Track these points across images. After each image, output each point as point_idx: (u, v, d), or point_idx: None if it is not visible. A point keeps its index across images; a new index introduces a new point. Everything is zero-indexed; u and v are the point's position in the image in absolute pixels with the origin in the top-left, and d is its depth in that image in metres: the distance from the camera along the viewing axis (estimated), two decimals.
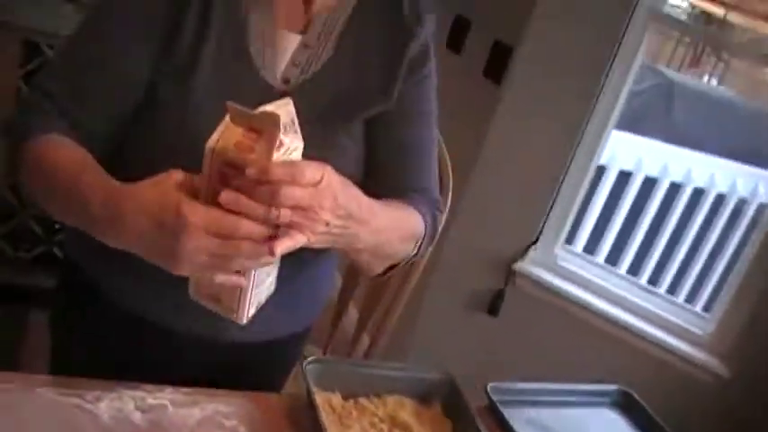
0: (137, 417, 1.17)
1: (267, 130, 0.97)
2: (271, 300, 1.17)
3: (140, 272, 1.21)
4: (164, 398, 1.22)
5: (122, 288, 1.35)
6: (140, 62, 1.22)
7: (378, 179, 1.36)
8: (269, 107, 1.00)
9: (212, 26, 1.22)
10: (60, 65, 1.28)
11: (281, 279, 1.16)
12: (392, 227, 1.28)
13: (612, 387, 1.62)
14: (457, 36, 2.99)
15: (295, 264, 1.13)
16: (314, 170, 1.02)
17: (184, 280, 1.10)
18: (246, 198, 0.98)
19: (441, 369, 1.40)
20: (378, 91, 1.34)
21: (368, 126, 1.36)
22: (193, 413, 1.21)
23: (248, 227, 0.99)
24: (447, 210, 1.90)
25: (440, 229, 1.52)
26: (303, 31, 1.31)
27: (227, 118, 0.98)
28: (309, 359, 1.30)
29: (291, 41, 1.30)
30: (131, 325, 1.36)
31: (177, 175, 1.01)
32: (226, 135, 0.97)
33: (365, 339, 2.08)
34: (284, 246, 1.02)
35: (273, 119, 0.97)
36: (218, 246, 0.99)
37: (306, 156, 1.06)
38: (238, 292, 1.08)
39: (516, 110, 2.67)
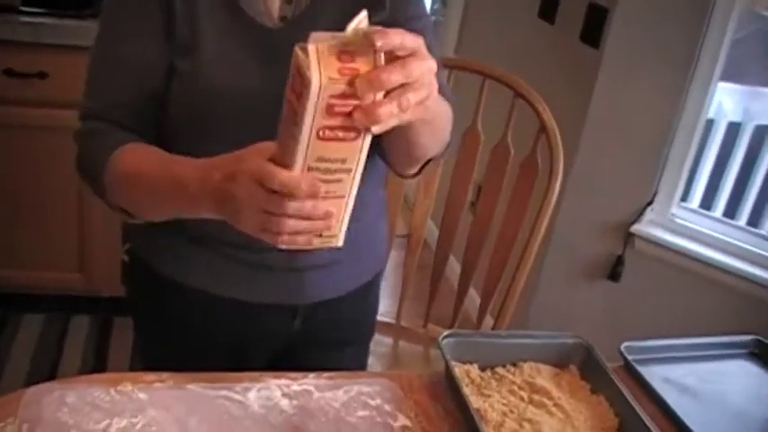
0: (285, 403, 1.21)
1: (361, 48, 0.92)
2: (333, 256, 1.17)
3: (209, 254, 1.27)
4: (308, 383, 1.26)
5: (193, 272, 1.41)
6: (157, 50, 1.28)
7: None
8: (351, 26, 0.94)
9: None
10: (93, 82, 1.34)
11: None
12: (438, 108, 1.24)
13: (748, 337, 1.59)
14: (549, 6, 2.97)
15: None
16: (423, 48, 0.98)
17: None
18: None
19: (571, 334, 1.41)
20: (370, 5, 1.35)
21: None
22: (338, 396, 1.25)
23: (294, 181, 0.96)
24: (559, 181, 1.90)
25: None
26: None
27: (312, 52, 0.91)
28: (444, 334, 1.33)
29: None
30: (209, 305, 1.43)
31: (259, 144, 1.03)
32: (323, 68, 0.90)
33: (489, 321, 2.11)
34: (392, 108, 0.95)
35: (366, 35, 0.93)
36: (265, 199, 0.98)
37: None
38: (341, 215, 1.04)
39: (618, 71, 2.64)
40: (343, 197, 1.01)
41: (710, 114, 3.25)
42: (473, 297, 2.57)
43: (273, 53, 1.28)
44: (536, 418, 1.24)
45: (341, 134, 0.94)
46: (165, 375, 1.23)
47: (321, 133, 0.92)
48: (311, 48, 0.90)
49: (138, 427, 1.12)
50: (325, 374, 1.29)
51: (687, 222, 2.76)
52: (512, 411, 1.25)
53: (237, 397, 1.21)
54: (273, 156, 0.98)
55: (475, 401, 1.25)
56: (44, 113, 2.64)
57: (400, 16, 1.36)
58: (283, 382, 1.26)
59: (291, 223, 0.99)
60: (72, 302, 3.04)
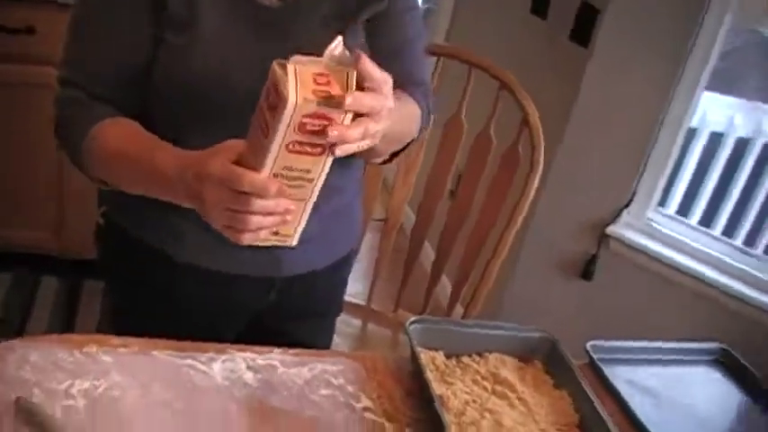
0: (249, 377, 1.22)
1: (337, 71, 0.99)
2: (310, 234, 1.18)
3: (186, 224, 1.30)
4: (273, 358, 1.27)
5: (169, 240, 1.41)
6: (144, 21, 1.26)
7: None
8: (328, 51, 1.00)
9: None
10: (75, 49, 1.32)
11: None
12: (402, 114, 1.31)
13: (713, 345, 1.61)
14: (542, 2, 2.97)
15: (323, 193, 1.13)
16: (388, 85, 1.04)
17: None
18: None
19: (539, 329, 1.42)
20: None
21: (365, 31, 1.39)
22: (302, 372, 1.26)
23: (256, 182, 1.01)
24: (539, 176, 1.91)
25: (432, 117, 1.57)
26: None
27: (291, 71, 0.96)
28: (412, 319, 1.34)
29: None
30: (183, 273, 1.43)
31: (229, 143, 1.06)
32: (300, 88, 0.96)
33: (459, 310, 2.11)
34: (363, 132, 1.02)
35: (344, 61, 1.00)
36: (231, 199, 1.02)
37: None
38: (298, 218, 1.10)
39: (605, 72, 2.64)
40: (303, 200, 1.07)
41: (694, 123, 3.27)
42: (445, 285, 2.58)
43: (272, 31, 1.28)
44: (497, 408, 1.25)
45: (308, 149, 1.00)
46: (130, 340, 1.23)
47: (290, 146, 0.99)
48: (290, 67, 0.95)
49: (101, 389, 1.12)
50: (291, 351, 1.30)
51: (662, 228, 2.77)
52: (474, 401, 1.26)
53: (202, 367, 1.21)
54: (242, 155, 1.03)
55: (438, 388, 1.25)
56: (30, 70, 2.61)
57: (395, 7, 1.39)
58: (248, 355, 1.26)
59: (255, 220, 1.03)
60: (42, 263, 3.01)
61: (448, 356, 1.35)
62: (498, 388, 1.30)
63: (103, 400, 1.11)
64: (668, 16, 2.53)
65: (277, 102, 0.95)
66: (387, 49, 1.39)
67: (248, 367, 1.24)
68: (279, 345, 1.32)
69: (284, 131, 0.97)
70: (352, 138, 1.00)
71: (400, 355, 1.36)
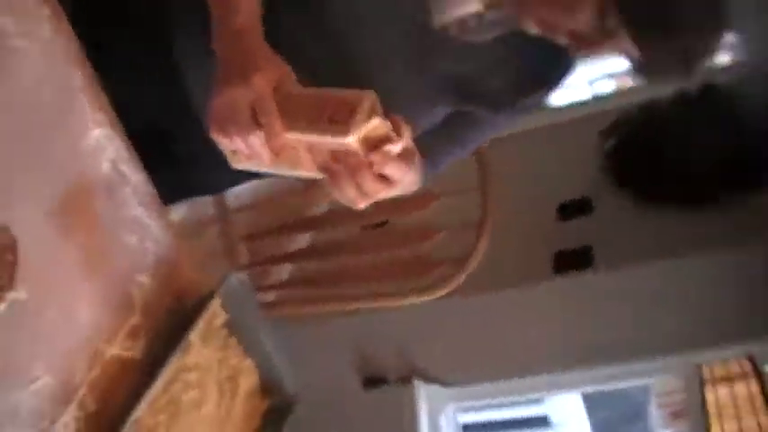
0: None
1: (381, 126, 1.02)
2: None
3: None
4: None
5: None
6: None
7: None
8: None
9: None
10: None
11: None
12: None
13: None
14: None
15: None
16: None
17: None
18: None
19: None
20: (490, 101, 1.40)
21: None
22: None
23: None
24: None
25: None
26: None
27: (365, 111, 1.00)
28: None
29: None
30: None
31: (286, 69, 1.08)
32: (361, 129, 1.00)
33: None
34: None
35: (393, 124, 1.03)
36: (244, 119, 1.04)
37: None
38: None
39: None
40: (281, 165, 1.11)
41: None
42: None
43: (422, 48, 1.31)
44: None
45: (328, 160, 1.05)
46: None
47: (314, 149, 1.05)
48: (367, 105, 1.00)
49: None
50: None
51: None
52: None
53: None
54: (288, 94, 1.05)
55: None
56: None
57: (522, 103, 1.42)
58: None
59: (241, 145, 1.05)
60: None
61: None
62: None
63: None
64: None
65: (341, 117, 1.00)
66: (442, 131, 1.43)
67: None
68: None
69: (323, 141, 1.02)
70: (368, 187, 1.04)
71: None
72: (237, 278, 1.24)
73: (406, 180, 1.06)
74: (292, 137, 1.03)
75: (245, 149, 1.06)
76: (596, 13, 1.14)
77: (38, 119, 1.02)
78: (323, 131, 1.00)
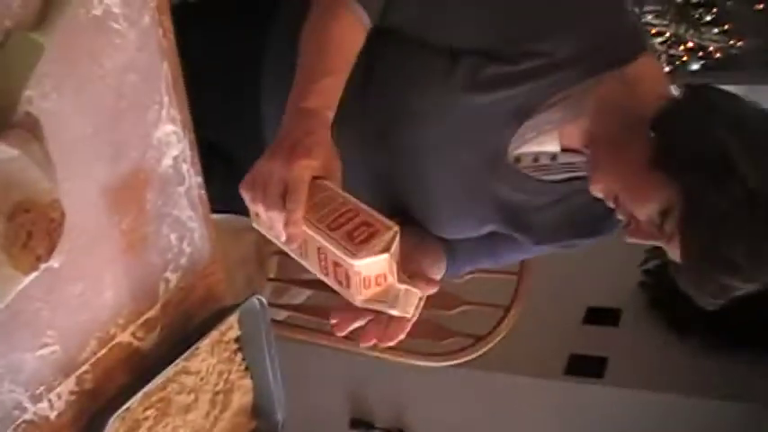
0: None
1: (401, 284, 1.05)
2: None
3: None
4: None
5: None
6: None
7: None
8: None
9: None
10: None
11: None
12: None
13: None
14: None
15: None
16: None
17: None
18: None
19: None
20: (534, 233, 1.44)
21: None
22: None
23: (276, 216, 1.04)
24: None
25: None
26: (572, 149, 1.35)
27: (384, 242, 1.00)
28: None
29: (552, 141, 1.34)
30: None
31: (336, 165, 1.09)
32: (375, 269, 1.01)
33: None
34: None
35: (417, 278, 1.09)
36: (274, 184, 1.04)
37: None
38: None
39: None
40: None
41: None
42: None
43: (491, 174, 1.34)
44: None
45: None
46: None
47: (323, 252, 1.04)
48: (388, 236, 1.00)
49: None
50: None
51: None
52: None
53: None
54: (321, 191, 1.05)
55: None
56: None
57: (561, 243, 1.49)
58: None
59: (273, 216, 1.05)
60: None
61: None
62: None
63: None
64: None
65: (352, 245, 0.99)
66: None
67: None
68: None
69: (331, 250, 1.01)
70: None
71: None
72: (260, 300, 1.28)
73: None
74: (309, 231, 1.03)
75: (265, 220, 1.07)
76: (661, 212, 1.18)
77: (117, 100, 1.05)
78: (335, 242, 1.00)
